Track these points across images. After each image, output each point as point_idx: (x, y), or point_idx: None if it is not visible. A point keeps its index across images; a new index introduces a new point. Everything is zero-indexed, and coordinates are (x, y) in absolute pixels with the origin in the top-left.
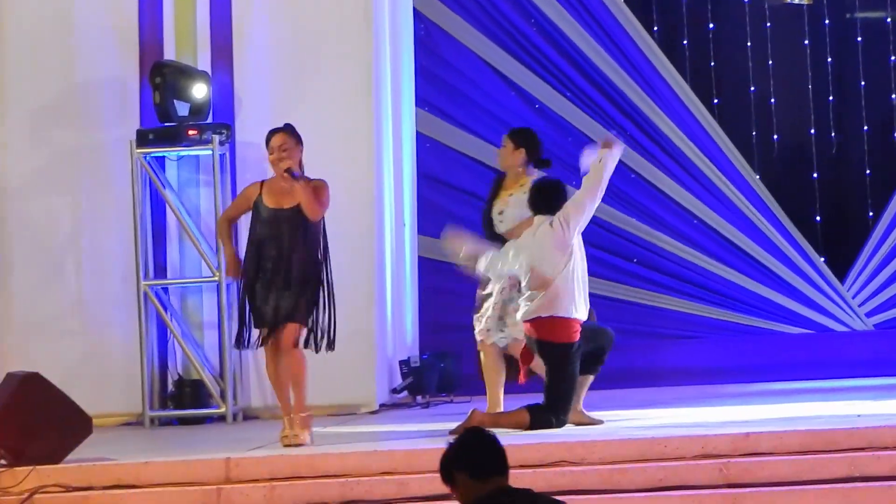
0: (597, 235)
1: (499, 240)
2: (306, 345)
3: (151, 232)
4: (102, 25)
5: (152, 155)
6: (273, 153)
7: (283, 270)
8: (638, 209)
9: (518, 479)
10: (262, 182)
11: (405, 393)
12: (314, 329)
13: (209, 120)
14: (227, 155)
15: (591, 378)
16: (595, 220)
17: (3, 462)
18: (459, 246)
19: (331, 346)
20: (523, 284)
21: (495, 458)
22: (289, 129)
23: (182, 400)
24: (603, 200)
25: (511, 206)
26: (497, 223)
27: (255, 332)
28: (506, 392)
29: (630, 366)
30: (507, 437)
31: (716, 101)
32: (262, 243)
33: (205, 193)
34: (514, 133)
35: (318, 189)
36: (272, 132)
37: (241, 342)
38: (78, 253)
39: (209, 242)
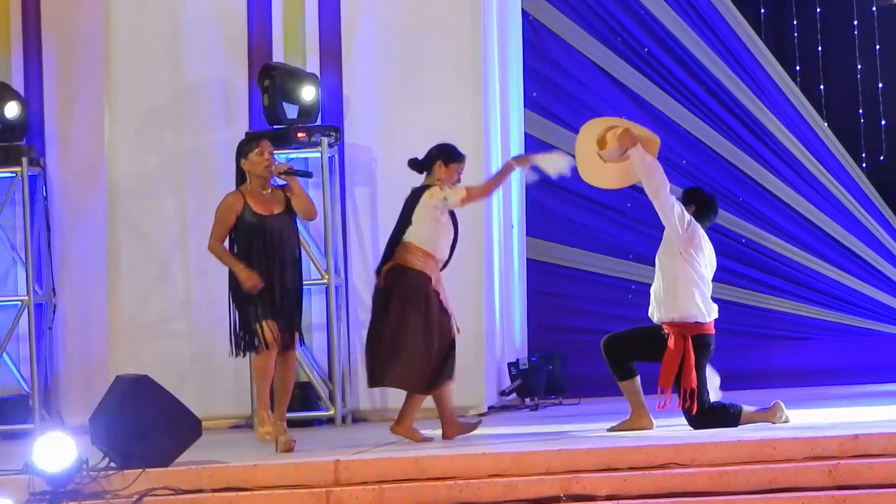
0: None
1: None
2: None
3: None
4: (211, 29)
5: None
6: (263, 153)
7: (284, 275)
8: (746, 210)
9: (628, 481)
10: (240, 192)
11: (514, 395)
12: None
13: (318, 122)
14: (336, 157)
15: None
16: None
17: (112, 464)
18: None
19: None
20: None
21: None
22: (268, 137)
23: (291, 402)
24: None
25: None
26: None
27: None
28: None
29: (739, 367)
30: (613, 441)
31: (821, 87)
32: (259, 250)
33: (314, 196)
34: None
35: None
36: (256, 135)
37: (250, 348)
38: (186, 255)
39: (317, 245)
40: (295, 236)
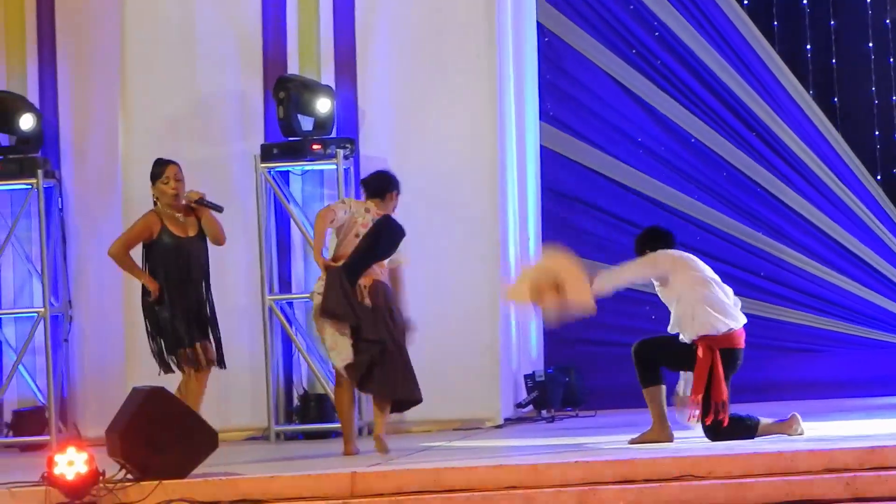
0: (722, 249)
1: None
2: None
3: (276, 246)
4: (227, 41)
5: (277, 169)
6: (169, 182)
7: (197, 295)
8: (762, 222)
9: (644, 493)
10: (156, 213)
11: (530, 407)
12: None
13: (333, 134)
14: (352, 169)
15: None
16: (719, 234)
17: (129, 476)
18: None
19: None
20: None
21: None
22: (177, 163)
23: (307, 414)
24: (728, 213)
25: None
26: None
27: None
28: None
29: (755, 379)
30: (629, 453)
31: (835, 99)
32: (176, 272)
33: None
34: None
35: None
36: (164, 162)
37: (182, 361)
38: None
39: None
40: (207, 258)
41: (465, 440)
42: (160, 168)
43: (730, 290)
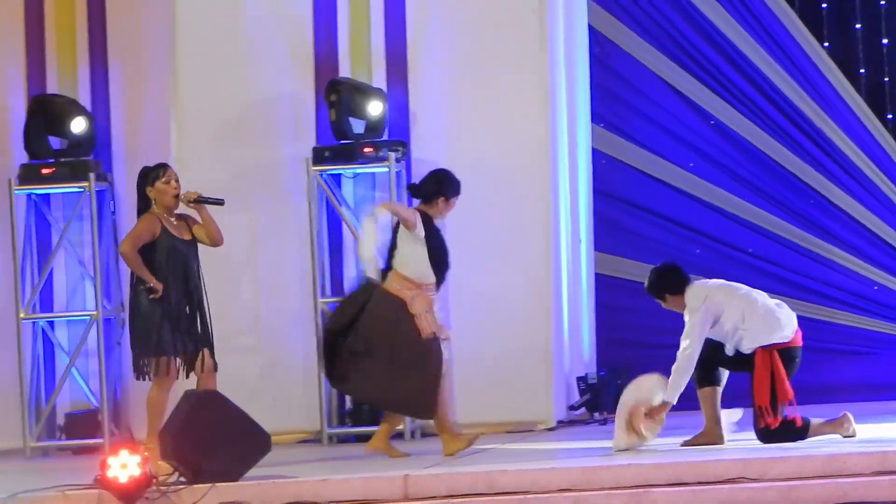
0: (772, 251)
1: None
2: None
3: (328, 249)
4: (278, 44)
5: (328, 172)
6: (170, 182)
7: (195, 300)
8: (813, 223)
9: (697, 495)
10: (154, 214)
11: (582, 409)
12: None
13: (385, 137)
14: (403, 172)
15: None
16: (770, 236)
17: (182, 479)
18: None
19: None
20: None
21: None
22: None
23: (360, 417)
24: (778, 215)
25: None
26: None
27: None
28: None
29: (805, 381)
30: (682, 455)
31: (889, 116)
32: (176, 273)
33: None
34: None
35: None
36: (161, 166)
37: (157, 369)
38: (255, 270)
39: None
40: (199, 264)
41: (518, 443)
42: (159, 170)
43: (765, 295)
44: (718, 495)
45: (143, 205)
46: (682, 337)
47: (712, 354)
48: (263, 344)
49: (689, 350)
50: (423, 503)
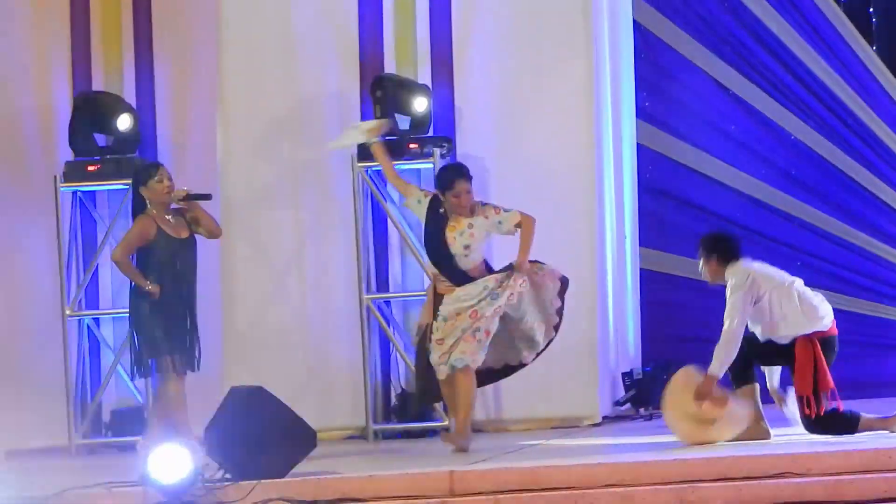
0: (818, 245)
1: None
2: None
3: (374, 246)
4: (323, 40)
5: (374, 169)
6: (163, 181)
7: (189, 298)
8: (858, 218)
9: (743, 490)
10: (150, 216)
11: (628, 405)
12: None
13: (430, 133)
14: None
15: None
16: (816, 230)
17: (228, 476)
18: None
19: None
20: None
21: None
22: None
23: (405, 413)
24: (824, 210)
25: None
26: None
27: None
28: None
29: (851, 376)
30: (728, 450)
31: None
32: (171, 274)
33: None
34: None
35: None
36: (154, 165)
37: (161, 368)
38: (301, 266)
39: None
40: (196, 260)
41: (564, 438)
42: (151, 168)
43: (801, 282)
44: (765, 490)
45: (138, 204)
46: (725, 316)
47: (749, 350)
48: (309, 341)
49: (732, 327)
50: (470, 499)
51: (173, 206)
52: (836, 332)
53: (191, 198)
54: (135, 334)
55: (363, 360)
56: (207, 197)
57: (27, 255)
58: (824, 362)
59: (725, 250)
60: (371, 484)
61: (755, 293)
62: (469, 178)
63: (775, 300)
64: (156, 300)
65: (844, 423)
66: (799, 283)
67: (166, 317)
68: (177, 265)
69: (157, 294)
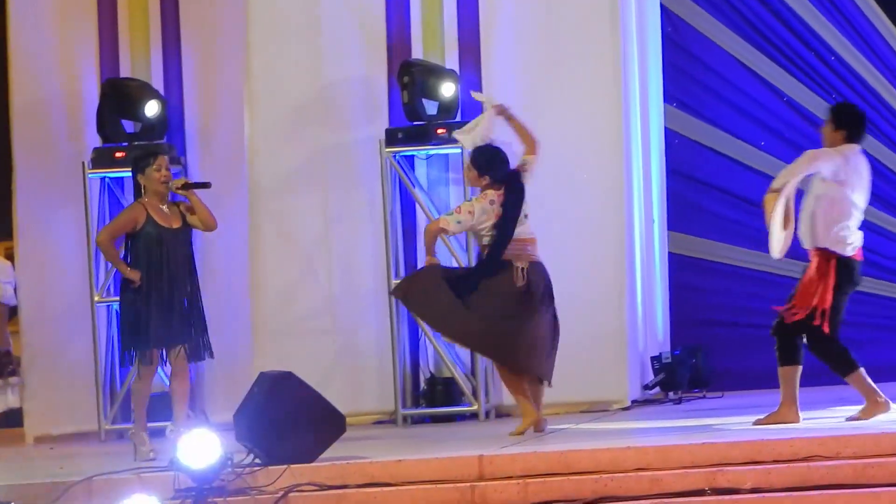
0: None
1: None
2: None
3: (401, 231)
4: (350, 25)
5: (401, 154)
6: (160, 169)
7: (182, 289)
8: (886, 202)
9: (772, 473)
10: (141, 204)
11: (657, 389)
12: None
13: (457, 118)
14: None
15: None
16: None
17: (257, 461)
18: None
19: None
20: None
21: None
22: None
23: (434, 398)
24: None
25: None
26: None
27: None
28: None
29: (886, 360)
30: (757, 433)
31: None
32: (157, 262)
33: (454, 192)
34: None
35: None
36: (152, 153)
37: (142, 359)
38: (329, 252)
39: (458, 241)
40: (190, 251)
41: (593, 422)
42: (149, 157)
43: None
44: (793, 473)
45: (138, 191)
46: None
47: (795, 330)
48: (337, 325)
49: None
50: (499, 483)
51: (175, 196)
52: (861, 257)
53: (189, 186)
54: (118, 322)
55: (392, 345)
56: (206, 185)
57: (56, 241)
58: (832, 280)
59: (851, 122)
60: (400, 468)
61: (826, 165)
62: None
63: (840, 191)
64: (140, 289)
65: (843, 362)
66: (859, 211)
67: (152, 307)
68: (166, 255)
69: (136, 282)
